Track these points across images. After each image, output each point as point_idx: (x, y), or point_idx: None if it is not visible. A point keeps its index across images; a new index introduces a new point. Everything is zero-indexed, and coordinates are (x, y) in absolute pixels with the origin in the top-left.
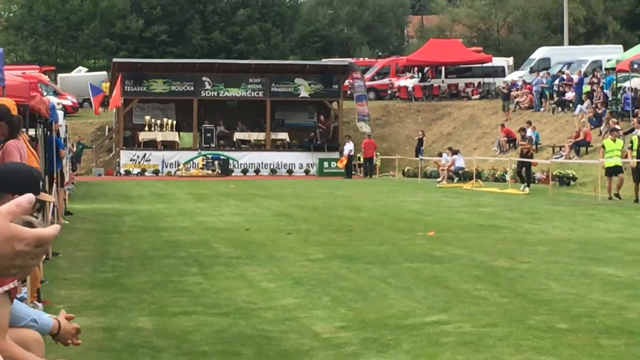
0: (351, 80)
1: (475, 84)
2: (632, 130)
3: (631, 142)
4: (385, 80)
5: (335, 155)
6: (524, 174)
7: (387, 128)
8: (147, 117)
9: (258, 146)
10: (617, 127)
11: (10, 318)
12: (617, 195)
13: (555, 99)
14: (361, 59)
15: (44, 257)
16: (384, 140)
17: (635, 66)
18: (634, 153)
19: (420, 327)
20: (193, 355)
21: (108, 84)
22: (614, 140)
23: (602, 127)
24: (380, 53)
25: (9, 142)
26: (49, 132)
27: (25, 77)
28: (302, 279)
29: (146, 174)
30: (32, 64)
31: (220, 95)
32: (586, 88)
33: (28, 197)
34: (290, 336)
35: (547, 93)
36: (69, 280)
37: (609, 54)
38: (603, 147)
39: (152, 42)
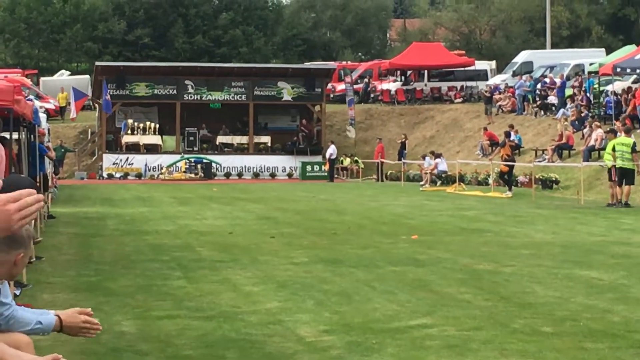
0: (336, 84)
1: (458, 88)
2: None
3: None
4: (362, 85)
5: (318, 158)
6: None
7: (369, 131)
8: (130, 121)
9: (241, 150)
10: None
11: (16, 326)
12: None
13: (538, 102)
14: (344, 63)
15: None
16: (366, 143)
17: (619, 69)
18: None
19: (404, 331)
20: (177, 359)
21: (65, 94)
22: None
23: (584, 131)
24: (362, 56)
25: None
26: (32, 137)
27: (8, 81)
28: (286, 283)
29: (129, 177)
30: (14, 68)
31: (203, 98)
32: (569, 91)
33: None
34: (274, 340)
35: (529, 96)
36: (53, 284)
37: (592, 57)
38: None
39: (135, 46)
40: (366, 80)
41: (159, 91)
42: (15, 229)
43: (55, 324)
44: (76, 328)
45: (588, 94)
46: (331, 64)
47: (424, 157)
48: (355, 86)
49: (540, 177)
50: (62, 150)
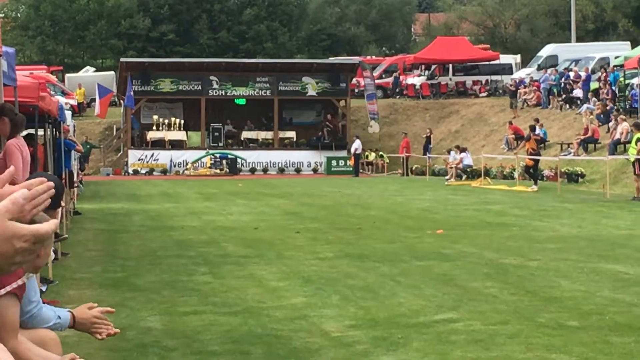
0: (360, 79)
1: (483, 82)
2: None
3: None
4: (391, 79)
5: (343, 153)
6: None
7: (394, 126)
8: (155, 117)
9: (266, 145)
10: None
11: (41, 322)
12: None
13: (563, 96)
14: (368, 57)
15: (52, 256)
16: (391, 138)
17: None
18: None
19: (430, 325)
20: (203, 354)
21: (83, 90)
22: None
23: (610, 124)
24: (387, 51)
25: (10, 141)
26: (57, 133)
27: (34, 77)
28: (312, 278)
29: (154, 173)
30: (40, 64)
31: (228, 94)
32: (594, 85)
33: (22, 193)
34: (300, 335)
35: (554, 90)
36: (79, 280)
37: (617, 50)
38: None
39: (160, 42)
40: (396, 74)
41: (184, 87)
42: (28, 220)
43: (69, 319)
44: (88, 323)
45: (613, 88)
46: (356, 59)
47: (449, 152)
48: (380, 81)
49: (566, 171)
50: (88, 146)
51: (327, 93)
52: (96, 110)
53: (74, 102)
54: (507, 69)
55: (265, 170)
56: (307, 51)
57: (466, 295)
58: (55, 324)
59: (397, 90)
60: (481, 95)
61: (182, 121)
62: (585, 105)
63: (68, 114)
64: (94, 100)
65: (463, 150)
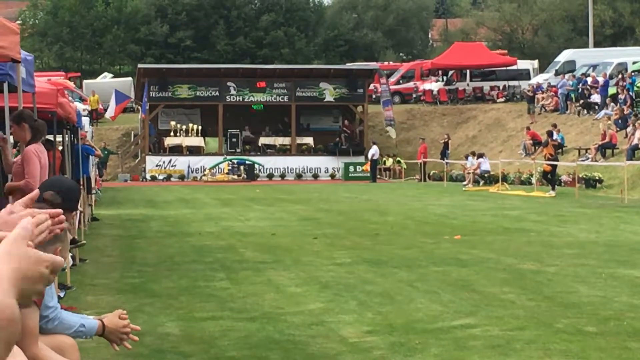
0: (377, 85)
1: (500, 87)
2: None
3: None
4: (410, 84)
5: (361, 159)
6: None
7: (412, 132)
8: (173, 123)
9: (283, 151)
10: None
11: (60, 328)
12: None
13: (581, 101)
14: (386, 63)
15: (70, 262)
16: (409, 144)
17: None
18: None
19: (447, 331)
20: None
21: (97, 97)
22: None
23: (628, 129)
24: (404, 57)
25: (29, 147)
26: (75, 139)
27: (52, 84)
28: (329, 284)
29: (172, 179)
30: (58, 71)
31: (245, 100)
32: (612, 90)
33: (27, 220)
34: (317, 341)
35: (572, 95)
36: (96, 286)
37: (635, 56)
38: None
39: (177, 48)
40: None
41: (201, 93)
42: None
43: (97, 328)
44: (117, 332)
45: (631, 93)
46: (373, 65)
47: (466, 157)
48: (397, 86)
49: (584, 177)
50: (106, 152)
51: (344, 99)
52: (108, 112)
53: (87, 108)
54: (524, 75)
55: (282, 176)
56: (324, 57)
57: (484, 301)
58: (78, 331)
59: (414, 96)
60: (499, 100)
61: (200, 127)
62: (603, 111)
63: (85, 120)
64: (107, 108)
65: (480, 155)
